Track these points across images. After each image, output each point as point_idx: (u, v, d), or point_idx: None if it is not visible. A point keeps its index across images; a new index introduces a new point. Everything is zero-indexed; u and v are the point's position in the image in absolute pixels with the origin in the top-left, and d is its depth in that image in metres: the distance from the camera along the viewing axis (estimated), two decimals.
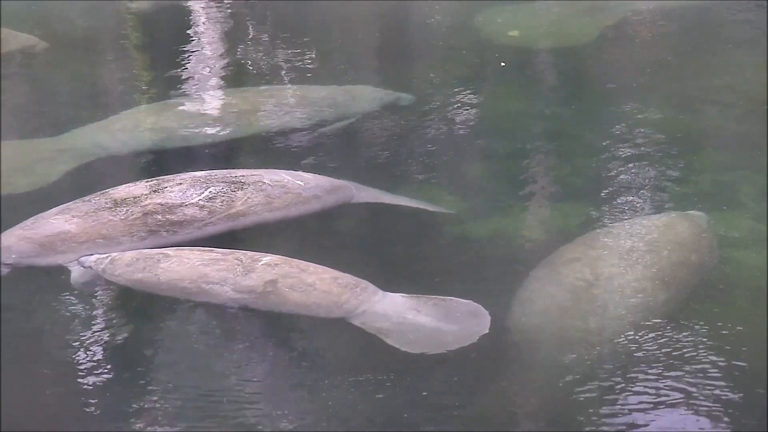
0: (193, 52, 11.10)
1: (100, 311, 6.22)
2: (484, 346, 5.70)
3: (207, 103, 9.35)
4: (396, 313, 5.87)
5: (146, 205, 6.74)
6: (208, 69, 10.60)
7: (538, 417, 5.36)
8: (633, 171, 7.75)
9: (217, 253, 6.30)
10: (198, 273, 6.14)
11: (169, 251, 6.39)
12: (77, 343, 5.91)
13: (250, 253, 6.28)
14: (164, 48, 11.43)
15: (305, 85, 9.75)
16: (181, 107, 9.15)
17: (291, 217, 7.02)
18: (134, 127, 8.69)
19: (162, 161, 8.21)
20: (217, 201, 6.84)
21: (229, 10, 12.70)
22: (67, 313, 6.19)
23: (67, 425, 5.39)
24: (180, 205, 6.77)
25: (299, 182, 7.16)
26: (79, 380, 5.63)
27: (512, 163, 8.13)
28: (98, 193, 6.92)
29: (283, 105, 9.06)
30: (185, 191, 6.87)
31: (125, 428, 5.30)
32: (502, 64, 10.29)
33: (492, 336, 5.75)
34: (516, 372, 5.60)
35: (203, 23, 12.23)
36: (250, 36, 11.93)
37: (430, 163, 8.18)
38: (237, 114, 8.89)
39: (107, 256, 6.44)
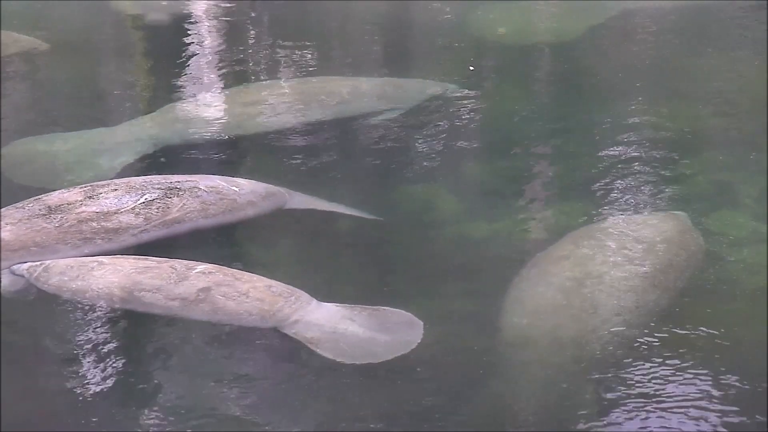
0: (221, 48, 11.24)
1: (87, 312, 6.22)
2: (479, 347, 5.79)
3: (256, 94, 9.42)
4: (329, 322, 5.89)
5: (81, 212, 6.70)
6: (243, 63, 10.81)
7: (532, 417, 5.37)
8: (632, 171, 7.81)
9: (153, 261, 6.30)
10: (131, 281, 6.13)
11: (104, 259, 6.37)
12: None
13: (185, 262, 6.28)
14: (187, 45, 11.43)
15: (348, 77, 9.90)
16: (231, 98, 9.29)
17: (226, 223, 7.02)
18: (187, 118, 8.84)
19: (208, 152, 8.38)
20: (153, 208, 6.82)
21: (232, 7, 12.78)
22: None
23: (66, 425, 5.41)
24: (115, 212, 6.75)
25: (234, 188, 7.16)
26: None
27: (504, 162, 8.23)
28: (32, 199, 6.86)
29: (335, 95, 9.15)
30: (120, 198, 6.84)
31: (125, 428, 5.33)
32: (471, 68, 10.34)
33: (486, 336, 5.84)
34: (508, 372, 5.65)
35: (221, 23, 12.33)
36: (265, 34, 12.08)
37: (424, 161, 8.26)
38: (289, 104, 8.98)
39: (40, 264, 6.40)
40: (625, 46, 11.19)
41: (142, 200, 6.84)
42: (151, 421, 5.36)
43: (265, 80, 10.12)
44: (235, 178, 7.34)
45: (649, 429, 5.19)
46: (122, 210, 6.77)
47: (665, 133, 8.50)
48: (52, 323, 6.17)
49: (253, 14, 12.72)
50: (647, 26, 11.73)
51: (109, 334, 6.02)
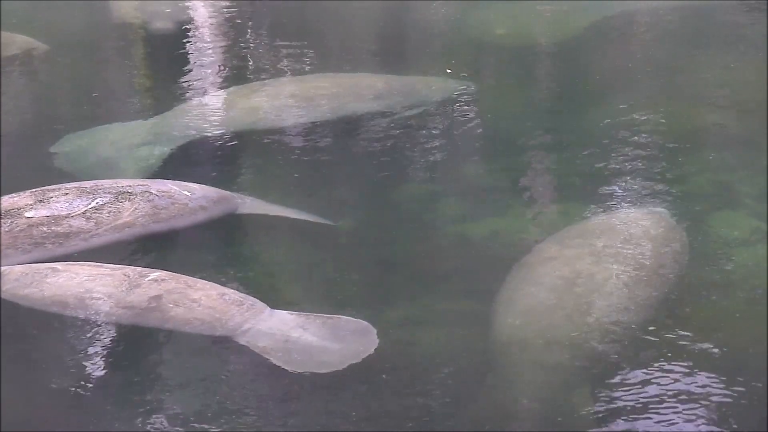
0: (238, 46, 11.42)
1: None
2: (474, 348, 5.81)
3: (294, 85, 9.56)
4: (281, 331, 5.88)
5: (31, 217, 6.66)
6: (274, 57, 10.91)
7: (528, 417, 5.37)
8: (632, 171, 7.84)
9: (107, 268, 6.26)
10: (83, 288, 6.10)
11: (59, 266, 6.33)
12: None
13: (140, 269, 6.26)
14: (202, 45, 11.47)
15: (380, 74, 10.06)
16: (269, 89, 9.41)
17: (178, 228, 7.01)
18: (225, 109, 8.98)
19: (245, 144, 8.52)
20: (104, 212, 6.79)
21: (234, 9, 12.86)
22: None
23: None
24: (66, 216, 6.71)
25: (186, 193, 7.14)
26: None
27: (502, 162, 8.28)
28: None
29: (370, 90, 9.32)
30: (71, 202, 6.80)
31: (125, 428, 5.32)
32: (448, 70, 10.37)
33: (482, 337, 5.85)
34: (503, 372, 5.64)
35: (229, 24, 12.43)
36: (269, 34, 12.21)
37: (422, 160, 8.30)
38: (328, 96, 9.05)
39: None
40: (623, 46, 11.26)
41: (93, 204, 6.81)
42: (148, 422, 5.38)
43: (284, 76, 10.24)
44: (187, 183, 7.32)
45: (646, 429, 5.19)
46: (73, 214, 6.73)
47: (665, 133, 8.55)
48: (50, 323, 6.14)
49: (251, 15, 12.78)
50: (646, 26, 11.81)
51: (107, 335, 6.01)
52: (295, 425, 5.37)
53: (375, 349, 5.73)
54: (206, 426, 5.33)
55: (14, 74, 10.28)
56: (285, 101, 9.07)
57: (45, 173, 7.80)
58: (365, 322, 5.96)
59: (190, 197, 7.12)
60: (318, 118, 8.83)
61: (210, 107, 9.06)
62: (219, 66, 10.59)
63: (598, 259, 6.33)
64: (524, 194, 7.70)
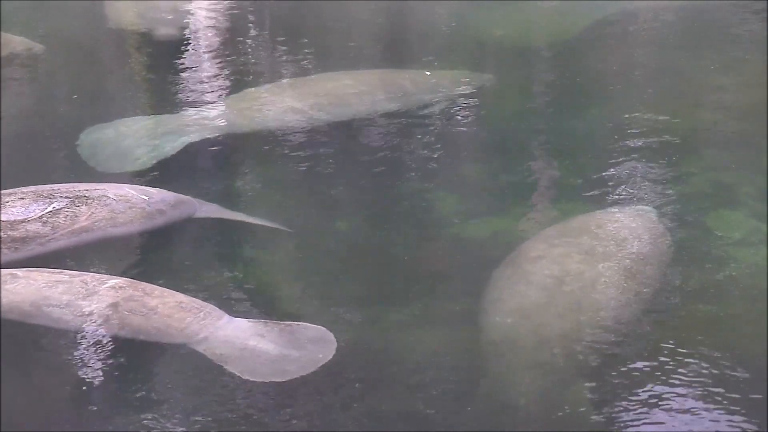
0: (255, 44, 11.49)
1: None
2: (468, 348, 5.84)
3: (323, 84, 9.47)
4: (239, 339, 5.88)
5: None
6: (299, 55, 10.89)
7: (521, 416, 5.38)
8: (632, 171, 7.83)
9: (66, 275, 6.23)
10: (40, 296, 6.07)
11: (18, 272, 6.28)
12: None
13: (98, 276, 6.24)
14: (218, 47, 11.45)
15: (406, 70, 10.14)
16: (297, 88, 9.40)
17: (136, 232, 6.99)
18: (256, 105, 8.98)
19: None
20: (61, 216, 6.76)
21: (235, 11, 12.84)
22: None
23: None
24: (22, 221, 6.68)
25: (144, 197, 7.13)
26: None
27: (500, 162, 8.31)
28: None
29: (399, 87, 9.36)
30: (27, 206, 6.77)
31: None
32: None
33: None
34: (494, 372, 5.67)
35: (237, 25, 12.41)
36: (273, 34, 12.18)
37: (420, 161, 8.31)
38: (357, 95, 9.04)
39: None
40: (623, 46, 11.27)
41: (49, 209, 6.78)
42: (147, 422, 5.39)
43: (331, 71, 10.18)
44: (145, 187, 7.31)
45: (640, 428, 5.21)
46: (29, 219, 6.70)
47: (664, 133, 8.53)
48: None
49: (254, 15, 12.81)
50: (645, 26, 11.81)
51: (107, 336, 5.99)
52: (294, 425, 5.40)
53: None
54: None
55: (12, 74, 10.24)
56: (316, 100, 9.05)
57: (44, 172, 7.84)
58: (323, 329, 5.96)
59: (148, 201, 7.10)
60: (349, 116, 8.87)
61: (239, 105, 9.10)
62: (228, 68, 10.53)
63: (587, 256, 6.35)
64: (524, 194, 7.72)
